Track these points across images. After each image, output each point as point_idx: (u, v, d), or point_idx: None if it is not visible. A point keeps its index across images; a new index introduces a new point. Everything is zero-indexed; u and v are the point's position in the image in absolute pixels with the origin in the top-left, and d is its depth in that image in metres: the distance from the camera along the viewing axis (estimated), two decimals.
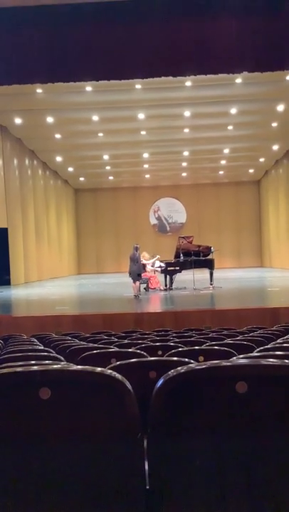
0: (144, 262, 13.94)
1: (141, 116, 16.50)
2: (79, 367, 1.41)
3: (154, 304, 11.25)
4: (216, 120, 17.27)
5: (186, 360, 2.04)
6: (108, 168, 24.18)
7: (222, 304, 10.54)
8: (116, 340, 4.43)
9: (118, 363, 2.07)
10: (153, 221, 29.14)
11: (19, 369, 1.37)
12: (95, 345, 3.87)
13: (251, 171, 26.04)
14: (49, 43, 9.33)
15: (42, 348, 3.74)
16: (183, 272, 13.54)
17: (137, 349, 2.87)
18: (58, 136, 18.42)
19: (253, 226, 28.50)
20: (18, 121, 16.85)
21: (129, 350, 2.85)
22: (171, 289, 13.32)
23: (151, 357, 2.53)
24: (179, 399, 1.28)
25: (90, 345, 3.87)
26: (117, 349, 3.11)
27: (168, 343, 3.43)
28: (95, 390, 1.32)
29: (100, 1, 9.13)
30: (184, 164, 24.19)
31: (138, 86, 13.87)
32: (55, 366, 1.57)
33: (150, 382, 1.51)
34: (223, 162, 23.83)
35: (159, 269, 14.31)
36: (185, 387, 1.28)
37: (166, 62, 9.33)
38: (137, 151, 21.27)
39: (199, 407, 1.30)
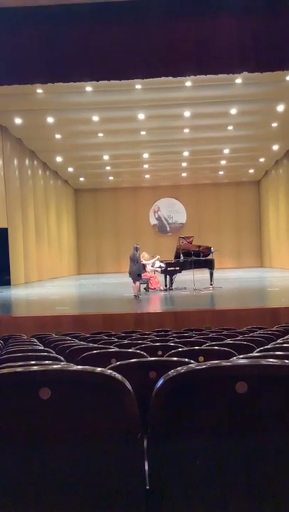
0: (143, 262, 13.94)
1: (141, 116, 16.51)
2: (79, 367, 1.41)
3: (154, 304, 11.25)
4: (216, 120, 17.28)
5: (186, 360, 2.04)
6: (108, 168, 24.18)
7: (222, 304, 10.54)
8: (116, 340, 4.43)
9: (118, 363, 2.07)
10: (153, 221, 29.14)
11: (19, 369, 1.37)
12: (95, 345, 3.87)
13: (251, 171, 26.04)
14: (49, 43, 9.34)
15: (42, 348, 3.74)
16: (183, 272, 13.54)
17: (137, 349, 2.87)
18: (58, 136, 18.42)
19: (253, 226, 28.51)
20: (18, 121, 16.86)
21: (129, 350, 2.85)
22: (171, 290, 13.32)
23: (151, 357, 2.53)
24: (179, 399, 1.28)
25: (90, 345, 3.86)
26: (117, 349, 3.10)
27: (168, 343, 3.43)
28: (94, 390, 1.32)
29: (100, 1, 9.13)
30: (184, 164, 24.19)
31: (138, 86, 13.88)
32: (55, 366, 1.57)
33: (150, 383, 1.51)
34: (223, 162, 23.83)
35: (159, 269, 14.31)
36: (185, 387, 1.28)
37: (165, 63, 9.32)
38: (137, 152, 21.27)
39: (199, 407, 1.30)
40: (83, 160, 22.52)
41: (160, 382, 1.29)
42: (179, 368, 1.29)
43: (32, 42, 9.31)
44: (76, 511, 1.31)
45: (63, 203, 26.02)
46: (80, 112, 16.26)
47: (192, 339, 4.15)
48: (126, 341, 4.13)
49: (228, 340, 3.67)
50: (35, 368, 1.37)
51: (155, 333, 5.38)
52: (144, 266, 13.81)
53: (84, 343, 4.28)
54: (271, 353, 2.51)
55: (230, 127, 18.02)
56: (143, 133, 18.42)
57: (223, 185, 28.32)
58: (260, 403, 1.28)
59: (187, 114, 16.45)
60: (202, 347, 2.91)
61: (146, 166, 24.29)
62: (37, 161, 21.75)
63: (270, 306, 9.37)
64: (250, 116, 16.90)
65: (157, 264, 14.73)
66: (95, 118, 16.55)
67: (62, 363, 2.44)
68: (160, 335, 5.10)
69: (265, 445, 1.27)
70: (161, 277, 14.08)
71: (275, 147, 21.08)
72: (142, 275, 12.99)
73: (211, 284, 13.27)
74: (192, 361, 1.99)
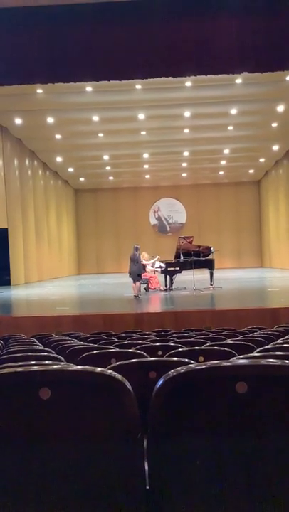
0: (144, 262, 13.94)
1: (141, 116, 16.51)
2: (79, 367, 1.41)
3: (154, 305, 11.25)
4: (216, 120, 17.28)
5: (186, 360, 2.04)
6: (108, 168, 24.19)
7: (222, 305, 10.54)
8: (116, 340, 4.43)
9: (118, 363, 2.07)
10: (153, 221, 29.14)
11: (19, 369, 1.37)
12: (95, 345, 3.86)
13: (251, 171, 26.04)
14: (49, 43, 9.34)
15: (42, 348, 3.74)
16: (183, 272, 13.54)
17: (137, 349, 2.87)
18: (58, 136, 18.42)
19: (253, 226, 28.51)
20: (18, 121, 16.86)
21: (129, 350, 2.85)
22: (171, 290, 13.32)
23: (151, 357, 2.53)
24: (179, 399, 1.28)
25: (90, 345, 3.86)
26: (117, 349, 3.10)
27: (168, 344, 3.43)
28: (94, 390, 1.32)
29: (100, 1, 9.13)
30: (184, 165, 24.20)
31: (138, 86, 13.88)
32: (55, 366, 1.57)
33: (150, 383, 1.51)
34: (223, 162, 23.84)
35: (159, 269, 14.31)
36: (185, 387, 1.28)
37: (166, 63, 9.32)
38: (137, 152, 21.27)
39: (199, 407, 1.30)
40: (83, 160, 22.53)
41: (160, 382, 1.29)
42: (179, 368, 1.29)
43: (32, 42, 9.31)
44: (76, 511, 1.31)
45: (63, 203, 26.02)
46: (80, 112, 16.26)
47: (192, 339, 4.15)
48: (126, 341, 4.13)
49: (228, 341, 3.67)
50: (35, 368, 1.37)
51: (155, 333, 5.38)
52: (144, 266, 13.81)
53: (84, 343, 4.28)
54: (271, 353, 2.51)
55: (230, 127, 18.03)
56: (143, 133, 18.42)
57: (223, 186, 28.33)
58: (260, 403, 1.28)
59: (187, 114, 16.46)
60: (202, 347, 2.91)
61: (146, 166, 24.30)
62: (37, 161, 21.76)
63: (270, 306, 9.37)
64: (250, 116, 16.91)
65: (157, 264, 14.74)
66: (95, 118, 16.55)
67: (62, 363, 2.44)
68: (160, 335, 5.10)
69: (265, 445, 1.27)
70: (161, 277, 14.08)
71: (275, 147, 21.08)
72: (142, 275, 12.99)
73: (211, 284, 13.27)
74: (192, 361, 1.99)
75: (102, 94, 14.47)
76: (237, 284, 15.76)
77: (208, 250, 13.87)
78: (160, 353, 3.04)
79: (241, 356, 2.15)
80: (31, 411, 1.32)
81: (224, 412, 1.29)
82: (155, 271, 14.67)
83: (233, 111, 16.19)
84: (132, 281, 12.20)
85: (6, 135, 18.07)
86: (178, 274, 13.66)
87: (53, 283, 19.99)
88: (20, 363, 2.08)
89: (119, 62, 9.33)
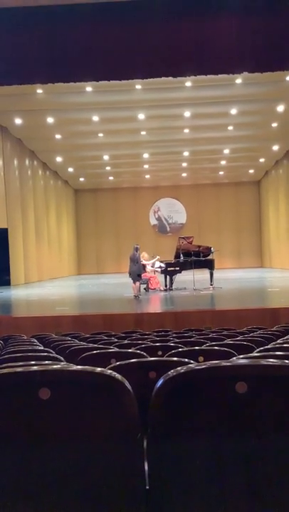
0: (143, 262, 13.94)
1: (141, 116, 16.51)
2: (79, 367, 1.41)
3: (154, 305, 11.25)
4: (216, 120, 17.28)
5: (186, 360, 2.04)
6: (108, 168, 24.19)
7: (222, 305, 10.54)
8: (116, 340, 4.43)
9: (118, 363, 2.07)
10: (153, 221, 29.14)
11: (19, 369, 1.37)
12: (95, 345, 3.86)
13: (251, 171, 26.04)
14: (49, 43, 9.33)
15: (42, 348, 3.74)
16: (183, 272, 13.54)
17: (137, 349, 2.87)
18: (58, 136, 18.42)
19: (253, 226, 28.50)
20: (18, 121, 16.86)
21: (129, 350, 2.85)
22: (171, 290, 13.32)
23: (151, 357, 2.53)
24: (179, 399, 1.28)
25: (90, 345, 3.86)
26: (116, 349, 3.10)
27: (168, 344, 3.43)
28: (94, 390, 1.32)
29: (100, 1, 9.13)
30: (184, 165, 24.20)
31: (138, 86, 13.88)
32: (55, 366, 1.57)
33: (150, 383, 1.51)
34: (223, 162, 23.84)
35: (159, 269, 14.31)
36: (185, 387, 1.28)
37: (166, 63, 9.32)
38: (137, 152, 21.27)
39: (199, 407, 1.30)
40: (83, 160, 22.53)
41: (160, 382, 1.29)
42: (178, 368, 1.29)
43: (32, 42, 9.31)
44: (76, 511, 1.31)
45: (63, 203, 26.02)
46: (80, 112, 16.27)
47: (192, 339, 4.15)
48: (126, 341, 4.13)
49: (228, 341, 3.66)
50: (35, 368, 1.37)
51: (155, 334, 5.38)
52: (144, 266, 13.81)
53: (84, 343, 4.28)
54: (271, 353, 2.51)
55: (230, 127, 18.03)
56: (143, 133, 18.42)
57: (223, 186, 28.32)
58: (260, 403, 1.28)
59: (187, 114, 16.46)
60: (202, 347, 2.91)
61: (146, 166, 24.30)
62: (37, 161, 21.76)
63: (270, 306, 9.37)
64: (250, 116, 16.91)
65: (157, 264, 14.73)
66: (95, 118, 16.55)
67: (62, 363, 2.44)
68: (160, 335, 5.10)
69: (265, 445, 1.27)
70: (161, 277, 14.08)
71: (275, 147, 21.08)
72: (142, 275, 12.99)
73: (211, 285, 13.27)
74: (192, 361, 1.99)
75: (102, 94, 14.47)
76: (237, 284, 15.76)
77: (208, 250, 13.87)
78: (160, 353, 3.04)
79: (241, 356, 2.15)
80: (31, 411, 1.32)
81: (224, 412, 1.29)
82: (155, 271, 14.67)
83: (233, 111, 16.19)
84: (131, 281, 12.20)
85: (6, 135, 18.07)
86: (178, 274, 13.66)
87: (52, 283, 19.99)
88: (20, 363, 2.08)
89: (119, 62, 9.33)
